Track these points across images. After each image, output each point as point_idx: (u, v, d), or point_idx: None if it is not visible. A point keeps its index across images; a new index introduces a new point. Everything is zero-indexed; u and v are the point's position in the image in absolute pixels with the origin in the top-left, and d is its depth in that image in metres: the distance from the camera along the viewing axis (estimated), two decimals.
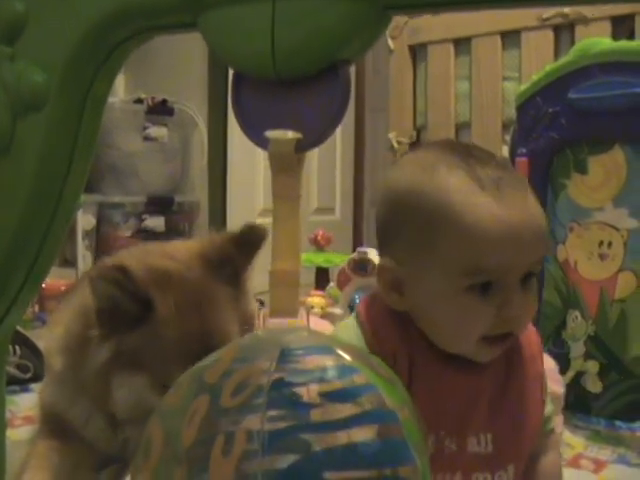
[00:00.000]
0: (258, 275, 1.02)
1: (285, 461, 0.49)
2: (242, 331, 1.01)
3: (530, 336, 0.89)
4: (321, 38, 0.57)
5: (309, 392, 0.51)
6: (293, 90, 0.60)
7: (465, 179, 0.79)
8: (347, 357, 0.54)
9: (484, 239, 0.77)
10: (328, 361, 0.53)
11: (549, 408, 0.91)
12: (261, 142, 0.60)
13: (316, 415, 0.50)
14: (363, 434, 0.51)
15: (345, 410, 0.51)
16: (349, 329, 0.85)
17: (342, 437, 0.50)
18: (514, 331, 0.80)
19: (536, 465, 0.90)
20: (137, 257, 1.06)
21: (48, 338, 1.17)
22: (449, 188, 0.79)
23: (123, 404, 1.03)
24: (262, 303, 1.99)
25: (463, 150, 0.83)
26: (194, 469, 0.51)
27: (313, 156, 3.59)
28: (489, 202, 0.77)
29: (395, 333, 0.82)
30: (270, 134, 0.59)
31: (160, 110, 3.33)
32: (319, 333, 0.60)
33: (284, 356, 0.53)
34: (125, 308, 0.98)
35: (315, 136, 0.59)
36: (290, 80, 0.60)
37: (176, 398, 0.56)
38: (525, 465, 0.87)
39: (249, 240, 1.06)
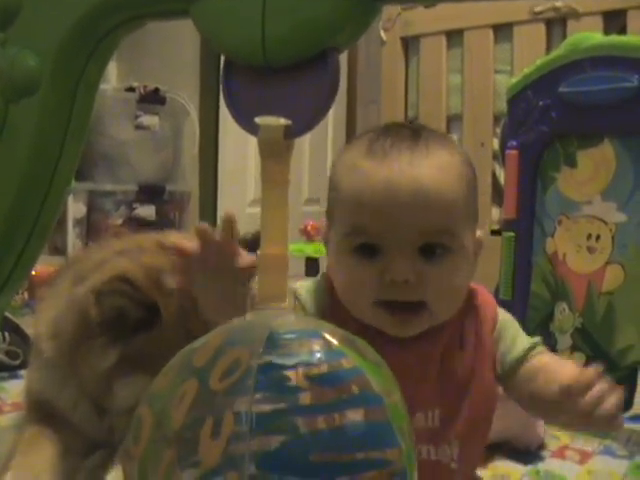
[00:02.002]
0: None
1: (273, 443, 0.50)
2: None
3: (486, 312, 0.89)
4: (311, 26, 0.58)
5: (297, 375, 0.52)
6: (283, 77, 0.61)
7: (360, 149, 0.83)
8: (334, 341, 0.55)
9: (359, 200, 0.80)
10: (315, 345, 0.54)
11: (528, 340, 0.89)
12: (251, 128, 0.61)
13: (304, 398, 0.51)
14: (349, 417, 0.51)
15: (332, 394, 0.52)
16: (307, 285, 0.89)
17: (329, 420, 0.51)
18: (408, 299, 0.80)
19: (536, 367, 0.86)
20: (132, 257, 1.06)
21: (38, 323, 1.18)
22: (344, 158, 0.86)
23: (124, 403, 1.04)
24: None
25: (390, 128, 0.87)
26: (183, 451, 0.51)
27: (304, 147, 3.59)
28: (369, 166, 0.80)
29: (324, 298, 0.87)
30: (260, 120, 0.60)
31: (152, 99, 3.33)
32: (307, 317, 0.61)
33: (272, 340, 0.53)
34: (133, 316, 1.01)
35: (304, 123, 0.60)
36: (280, 67, 0.61)
37: (165, 381, 0.57)
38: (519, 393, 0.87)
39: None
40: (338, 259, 0.84)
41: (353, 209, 0.81)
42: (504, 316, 0.91)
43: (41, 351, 1.13)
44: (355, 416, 0.52)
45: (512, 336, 0.89)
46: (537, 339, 0.90)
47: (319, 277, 0.91)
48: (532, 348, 0.89)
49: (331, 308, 0.86)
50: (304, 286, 0.89)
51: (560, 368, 0.85)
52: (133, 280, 1.00)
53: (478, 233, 0.87)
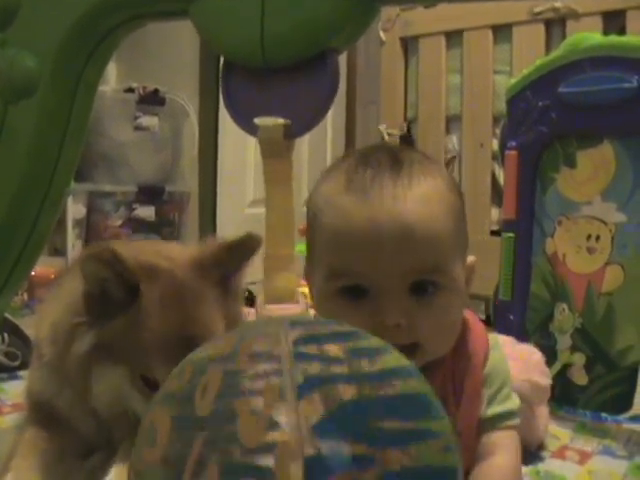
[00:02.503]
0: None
1: (321, 409, 0.48)
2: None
3: (476, 344, 0.88)
4: (310, 27, 0.58)
5: (334, 347, 0.51)
6: (282, 78, 0.61)
7: (338, 182, 0.79)
8: (353, 328, 0.55)
9: (340, 240, 0.77)
10: (340, 328, 0.53)
11: (509, 404, 0.88)
12: (250, 129, 0.61)
13: (345, 368, 0.50)
14: (399, 386, 0.51)
15: (373, 365, 0.51)
16: None
17: (378, 388, 0.50)
18: (400, 342, 0.73)
19: (477, 468, 0.84)
20: (129, 250, 1.05)
21: (39, 327, 1.18)
22: (321, 192, 0.82)
23: (102, 398, 1.03)
24: (251, 294, 2.00)
25: (368, 155, 0.81)
26: (216, 436, 0.49)
27: (304, 147, 3.59)
28: (350, 203, 0.76)
29: None
30: (259, 121, 0.60)
31: (151, 100, 3.33)
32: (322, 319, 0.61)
33: (296, 322, 0.52)
34: (112, 291, 0.98)
35: (304, 124, 0.60)
36: (279, 68, 0.61)
37: (178, 383, 0.55)
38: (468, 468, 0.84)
39: (242, 246, 1.05)
40: (322, 304, 0.81)
41: (334, 250, 0.78)
42: (499, 355, 0.89)
43: (42, 354, 1.13)
44: (403, 385, 0.51)
45: (498, 386, 0.87)
46: (513, 406, 0.87)
47: None
48: (503, 417, 0.86)
49: None
50: None
51: None
52: (120, 255, 0.97)
53: (469, 259, 0.84)
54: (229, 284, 1.06)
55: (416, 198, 0.76)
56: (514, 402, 0.89)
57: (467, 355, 0.86)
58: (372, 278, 0.76)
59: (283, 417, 0.48)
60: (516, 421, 0.88)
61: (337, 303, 0.78)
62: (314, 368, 0.50)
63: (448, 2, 0.58)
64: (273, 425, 0.48)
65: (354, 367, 0.50)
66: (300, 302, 0.59)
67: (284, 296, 0.59)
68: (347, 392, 0.49)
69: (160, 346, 0.97)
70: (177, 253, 1.08)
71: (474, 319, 0.90)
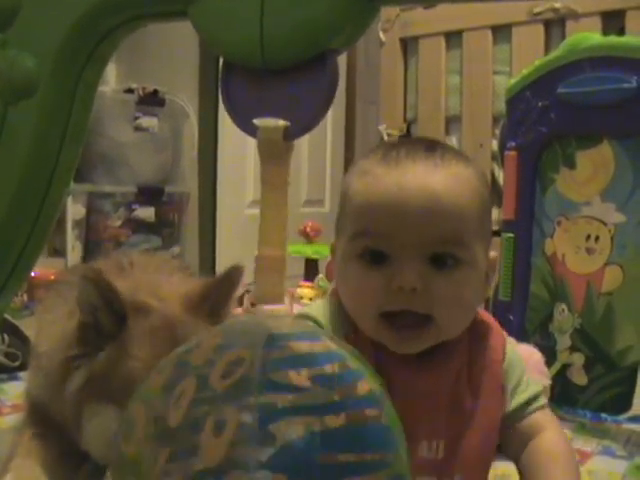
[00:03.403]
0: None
1: (279, 442, 0.49)
2: None
3: (496, 339, 0.88)
4: (309, 28, 0.58)
5: (300, 375, 0.51)
6: (281, 79, 0.61)
7: (373, 158, 0.82)
8: (333, 344, 0.55)
9: (367, 202, 0.79)
10: (316, 347, 0.54)
11: (532, 389, 0.89)
12: (249, 130, 0.61)
13: (307, 398, 0.51)
14: (355, 418, 0.51)
15: (336, 394, 0.52)
16: (318, 307, 0.87)
17: (333, 420, 0.51)
18: (414, 309, 0.77)
19: (532, 448, 0.86)
20: (125, 289, 1.05)
21: (37, 336, 1.18)
22: (356, 166, 0.84)
23: (94, 441, 1.02)
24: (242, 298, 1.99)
25: (405, 140, 0.87)
26: (181, 449, 0.51)
27: (303, 148, 3.59)
28: (381, 171, 0.79)
29: (343, 322, 0.83)
30: (258, 122, 0.60)
31: (151, 100, 3.33)
32: (301, 320, 0.61)
33: (273, 340, 0.53)
34: (102, 321, 0.99)
35: (303, 125, 0.60)
36: (278, 69, 0.61)
37: (159, 380, 0.56)
38: (517, 454, 0.86)
39: (227, 280, 1.07)
40: (344, 266, 0.82)
41: (361, 212, 0.80)
42: (511, 347, 0.90)
43: (39, 361, 1.14)
44: (360, 417, 0.52)
45: (517, 377, 0.88)
46: (537, 388, 0.89)
47: (328, 300, 0.88)
48: (531, 401, 0.88)
49: (354, 333, 0.83)
50: (318, 311, 0.85)
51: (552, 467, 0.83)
52: (110, 283, 0.98)
53: (492, 254, 0.85)
54: (219, 316, 1.06)
55: (447, 174, 0.79)
56: (536, 386, 0.90)
57: (486, 350, 0.86)
58: (394, 242, 0.77)
59: (244, 444, 0.49)
60: (544, 401, 0.89)
61: (357, 265, 0.79)
62: (280, 400, 0.51)
63: (447, 3, 0.58)
64: (231, 453, 0.50)
65: (318, 397, 0.52)
66: (286, 303, 0.60)
67: (272, 296, 0.59)
68: (300, 427, 0.50)
69: (147, 373, 0.96)
70: (168, 292, 1.08)
71: (489, 317, 0.91)
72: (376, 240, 0.78)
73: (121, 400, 0.96)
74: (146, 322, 1.00)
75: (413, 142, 0.86)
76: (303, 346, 0.53)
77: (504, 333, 0.91)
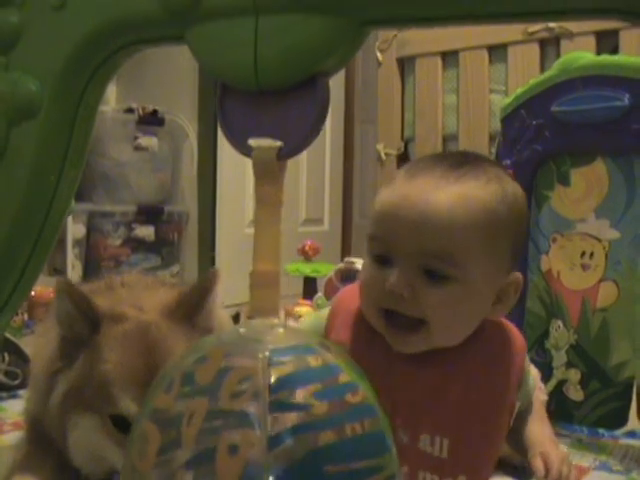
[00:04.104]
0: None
1: (290, 457, 0.52)
2: None
3: (519, 345, 0.91)
4: (301, 52, 0.60)
5: (304, 393, 0.53)
6: (275, 101, 0.63)
7: (404, 168, 0.88)
8: (329, 355, 0.57)
9: (379, 210, 0.84)
10: (312, 361, 0.56)
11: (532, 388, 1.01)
12: (245, 150, 0.63)
13: (313, 414, 0.53)
14: (353, 429, 0.53)
15: (336, 408, 0.54)
16: (317, 316, 0.95)
17: (339, 432, 0.53)
18: (404, 312, 0.82)
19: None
20: (107, 303, 1.07)
21: (34, 351, 1.20)
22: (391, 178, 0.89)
23: (78, 451, 1.04)
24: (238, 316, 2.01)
25: (447, 154, 0.92)
26: (198, 471, 0.53)
27: (302, 167, 3.61)
28: (398, 183, 0.84)
29: (348, 319, 0.90)
30: (253, 142, 0.62)
31: (151, 120, 3.35)
32: (295, 330, 0.63)
33: (271, 361, 0.55)
34: (78, 330, 1.01)
35: (295, 145, 0.62)
36: (272, 91, 0.63)
37: (168, 398, 0.58)
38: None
39: (201, 286, 1.10)
40: (364, 267, 0.88)
41: (375, 217, 0.86)
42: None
43: (34, 380, 1.15)
44: (356, 428, 0.54)
45: (528, 382, 0.98)
46: (535, 377, 0.96)
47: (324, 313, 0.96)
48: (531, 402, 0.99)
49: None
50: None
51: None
52: (83, 292, 1.02)
53: (515, 275, 0.86)
54: (195, 321, 1.08)
55: (453, 192, 0.81)
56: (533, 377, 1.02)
57: (511, 351, 0.90)
58: (392, 249, 0.83)
59: (258, 462, 0.52)
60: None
61: (370, 267, 0.86)
62: (287, 419, 0.53)
63: (439, 26, 0.60)
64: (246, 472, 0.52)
65: (322, 411, 0.54)
66: (281, 319, 0.61)
67: (267, 311, 0.61)
68: (310, 442, 0.53)
69: (124, 377, 0.98)
70: (149, 303, 1.10)
71: (512, 325, 0.94)
72: (380, 245, 0.84)
73: (99, 407, 0.99)
74: (119, 327, 1.02)
75: (446, 156, 0.90)
76: (301, 362, 0.55)
77: (526, 348, 0.95)
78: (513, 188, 0.86)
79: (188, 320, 1.07)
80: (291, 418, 0.53)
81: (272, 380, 0.54)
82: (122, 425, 0.98)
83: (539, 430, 0.96)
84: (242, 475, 0.51)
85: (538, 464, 1.09)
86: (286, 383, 0.54)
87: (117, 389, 0.98)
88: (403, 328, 0.83)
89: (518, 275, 0.87)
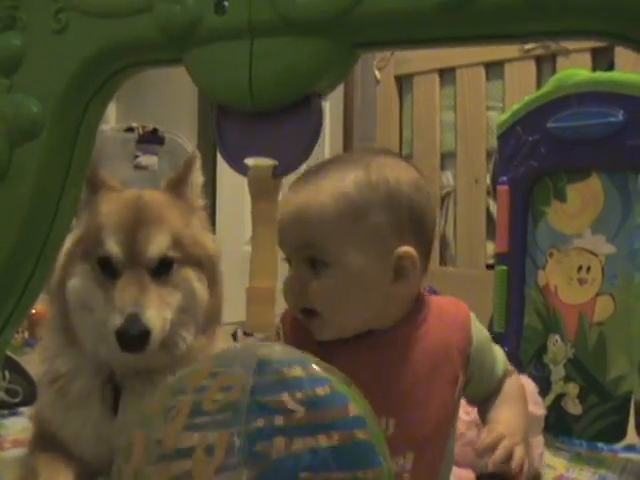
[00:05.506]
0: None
1: (265, 462, 0.52)
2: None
3: (456, 323, 0.94)
4: (294, 73, 0.62)
5: (287, 399, 0.54)
6: (269, 121, 0.64)
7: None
8: (318, 368, 0.58)
9: None
10: (302, 372, 0.57)
11: (497, 374, 0.98)
12: (241, 169, 0.64)
13: (294, 420, 0.54)
14: (336, 439, 0.54)
15: (320, 416, 0.54)
16: None
17: (317, 440, 0.53)
18: (299, 305, 0.87)
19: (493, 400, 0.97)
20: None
21: (40, 370, 1.23)
22: None
23: (73, 292, 1.17)
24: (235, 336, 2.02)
25: (332, 157, 0.95)
26: (177, 469, 0.54)
27: None
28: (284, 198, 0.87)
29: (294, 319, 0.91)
30: (249, 161, 0.63)
31: (151, 139, 3.35)
32: (291, 348, 0.64)
33: (261, 367, 0.56)
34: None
35: (290, 163, 0.63)
36: (267, 111, 0.64)
37: (157, 404, 0.59)
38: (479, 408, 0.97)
39: (184, 163, 1.28)
40: None
41: None
42: (479, 335, 0.96)
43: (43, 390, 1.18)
44: (338, 438, 0.54)
45: (482, 362, 0.95)
46: (503, 367, 0.99)
47: None
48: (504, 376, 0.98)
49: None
50: None
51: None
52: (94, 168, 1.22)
53: (402, 249, 0.88)
54: (181, 191, 1.25)
55: (313, 187, 0.87)
56: (502, 363, 1.01)
57: (441, 337, 0.92)
58: (286, 250, 0.87)
59: (233, 465, 0.53)
60: (508, 369, 1.02)
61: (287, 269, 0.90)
62: (268, 422, 0.55)
63: (430, 47, 0.61)
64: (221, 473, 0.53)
65: (304, 419, 0.55)
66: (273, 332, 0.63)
67: (263, 326, 0.62)
68: (287, 447, 0.54)
69: (112, 223, 1.14)
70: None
71: (456, 303, 0.97)
72: (282, 249, 0.87)
73: (91, 252, 1.15)
74: (115, 192, 1.21)
75: (333, 158, 0.94)
76: (292, 371, 0.56)
77: (466, 313, 0.96)
78: (380, 172, 0.88)
79: (175, 191, 1.24)
80: (273, 422, 0.54)
81: (256, 384, 0.55)
82: (107, 269, 1.13)
83: (505, 413, 0.95)
84: (217, 476, 0.53)
85: (485, 438, 0.92)
86: (272, 388, 0.55)
87: (105, 232, 1.14)
88: (306, 319, 0.87)
89: (406, 249, 0.88)
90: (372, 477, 0.55)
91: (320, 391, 0.56)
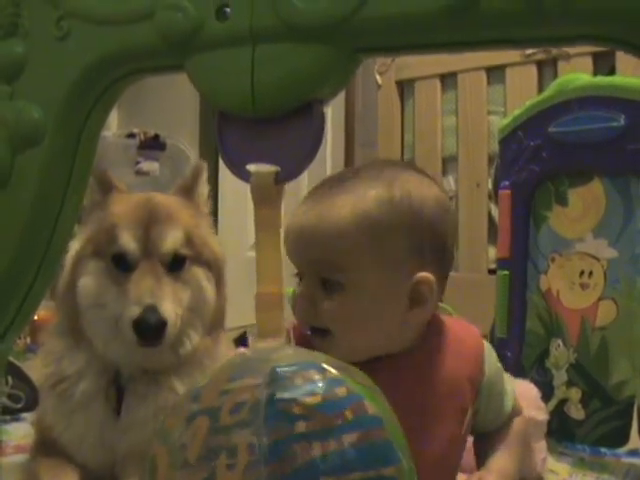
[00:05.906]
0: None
1: (286, 470, 0.52)
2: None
3: (467, 353, 0.91)
4: (296, 79, 0.62)
5: (301, 405, 0.54)
6: (271, 127, 0.64)
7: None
8: (332, 370, 0.58)
9: (284, 233, 0.87)
10: (316, 375, 0.57)
11: (506, 410, 0.97)
12: (243, 175, 0.65)
13: (310, 426, 0.54)
14: (351, 440, 0.54)
15: (334, 419, 0.55)
16: None
17: (335, 444, 0.54)
18: (311, 323, 0.87)
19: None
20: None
21: (39, 375, 1.23)
22: None
23: (84, 290, 1.17)
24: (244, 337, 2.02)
25: (340, 173, 0.95)
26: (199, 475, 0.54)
27: (303, 191, 3.60)
28: (301, 203, 0.90)
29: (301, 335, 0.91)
30: (251, 167, 0.63)
31: (152, 145, 3.36)
32: (303, 350, 0.64)
33: (274, 373, 0.56)
34: (93, 192, 1.20)
35: (292, 169, 0.63)
36: (268, 117, 0.64)
37: (175, 420, 0.59)
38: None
39: (192, 171, 1.31)
40: None
41: (284, 239, 0.88)
42: (491, 367, 0.93)
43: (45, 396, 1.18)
44: (355, 438, 0.54)
45: (489, 397, 0.94)
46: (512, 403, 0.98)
47: None
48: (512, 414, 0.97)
49: None
50: None
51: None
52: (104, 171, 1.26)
53: (421, 275, 0.85)
54: (190, 196, 1.27)
55: (328, 204, 0.85)
56: (511, 400, 1.01)
57: (449, 370, 0.90)
58: (298, 265, 0.88)
59: (254, 476, 0.53)
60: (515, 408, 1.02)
61: (297, 285, 0.89)
62: (288, 428, 0.54)
63: (431, 53, 0.61)
64: None
65: (319, 424, 0.55)
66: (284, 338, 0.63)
67: (273, 331, 0.62)
68: (307, 452, 0.54)
69: (127, 219, 1.16)
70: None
71: (472, 331, 0.96)
72: (294, 263, 0.88)
73: (105, 249, 1.16)
74: (126, 195, 1.23)
75: (341, 172, 0.94)
76: (303, 376, 0.56)
77: (479, 342, 0.94)
78: (404, 190, 0.85)
79: (184, 196, 1.26)
80: (292, 428, 0.54)
81: (273, 391, 0.55)
82: (121, 265, 1.14)
83: (500, 462, 0.92)
84: None
85: None
86: (287, 394, 0.55)
87: (119, 228, 1.15)
88: (317, 337, 0.86)
89: (425, 275, 0.85)
90: (393, 473, 0.55)
91: (334, 393, 0.56)
